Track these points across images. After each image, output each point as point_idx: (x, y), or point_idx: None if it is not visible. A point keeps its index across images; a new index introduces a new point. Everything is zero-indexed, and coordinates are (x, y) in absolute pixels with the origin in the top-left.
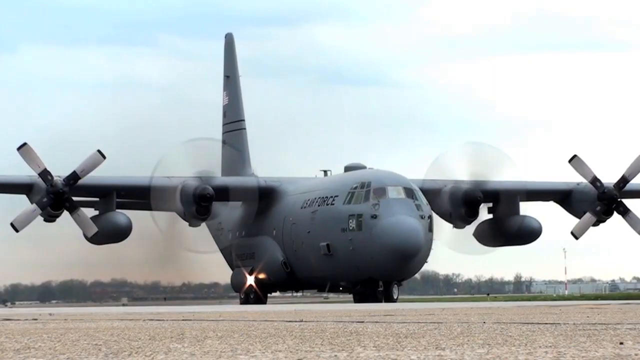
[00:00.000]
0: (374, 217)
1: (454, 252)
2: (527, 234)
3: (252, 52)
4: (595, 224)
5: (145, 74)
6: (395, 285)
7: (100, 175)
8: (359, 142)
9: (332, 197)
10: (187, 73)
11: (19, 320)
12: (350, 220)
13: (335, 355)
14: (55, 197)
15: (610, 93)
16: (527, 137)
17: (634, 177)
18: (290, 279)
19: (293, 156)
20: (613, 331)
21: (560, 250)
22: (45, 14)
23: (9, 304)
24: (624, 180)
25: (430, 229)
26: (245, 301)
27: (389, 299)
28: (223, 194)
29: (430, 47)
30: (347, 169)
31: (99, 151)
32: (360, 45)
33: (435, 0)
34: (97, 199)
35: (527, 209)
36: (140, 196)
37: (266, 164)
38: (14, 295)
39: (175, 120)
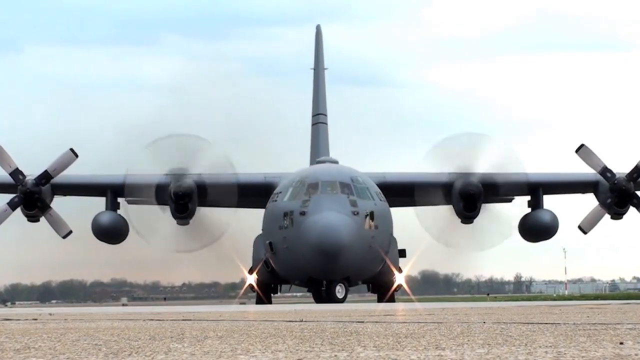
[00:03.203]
0: (303, 214)
1: (447, 249)
2: (538, 229)
3: (254, 52)
4: (615, 217)
5: (149, 74)
6: (341, 285)
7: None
8: (362, 141)
9: (278, 193)
10: (191, 73)
11: (19, 320)
12: (285, 218)
13: (335, 355)
14: (25, 196)
15: (615, 92)
16: (530, 137)
17: None
18: (272, 277)
19: (295, 153)
20: (613, 331)
21: (560, 250)
22: (50, 14)
23: (9, 304)
24: (637, 171)
25: (376, 225)
26: (256, 301)
27: (332, 299)
28: (202, 191)
29: (432, 47)
30: (317, 163)
31: (71, 149)
32: (362, 46)
33: (438, 1)
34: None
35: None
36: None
37: (274, 161)
38: (14, 295)
39: (179, 120)
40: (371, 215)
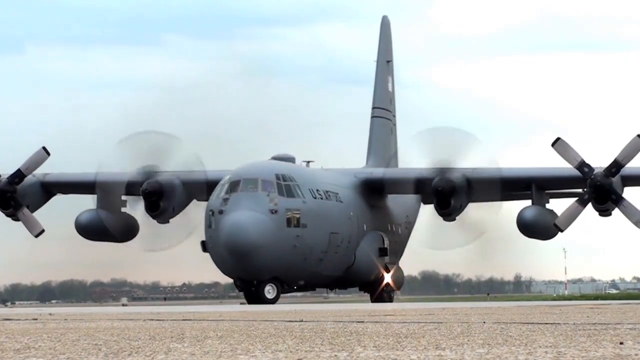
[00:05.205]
0: (221, 212)
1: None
2: (522, 227)
3: (254, 52)
4: (602, 214)
5: (150, 73)
6: (272, 285)
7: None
8: (362, 141)
9: (217, 191)
10: (192, 73)
11: (19, 320)
12: (210, 217)
13: (335, 355)
14: None
15: (615, 92)
16: (531, 136)
17: (628, 161)
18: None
19: (296, 152)
20: (613, 331)
21: (560, 250)
22: (51, 14)
23: (9, 304)
24: (616, 165)
25: (304, 224)
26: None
27: (261, 299)
28: (173, 188)
29: (433, 47)
30: (274, 159)
31: (43, 148)
32: (362, 45)
33: (439, 1)
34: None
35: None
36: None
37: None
38: (14, 295)
39: (181, 119)
40: (297, 214)
